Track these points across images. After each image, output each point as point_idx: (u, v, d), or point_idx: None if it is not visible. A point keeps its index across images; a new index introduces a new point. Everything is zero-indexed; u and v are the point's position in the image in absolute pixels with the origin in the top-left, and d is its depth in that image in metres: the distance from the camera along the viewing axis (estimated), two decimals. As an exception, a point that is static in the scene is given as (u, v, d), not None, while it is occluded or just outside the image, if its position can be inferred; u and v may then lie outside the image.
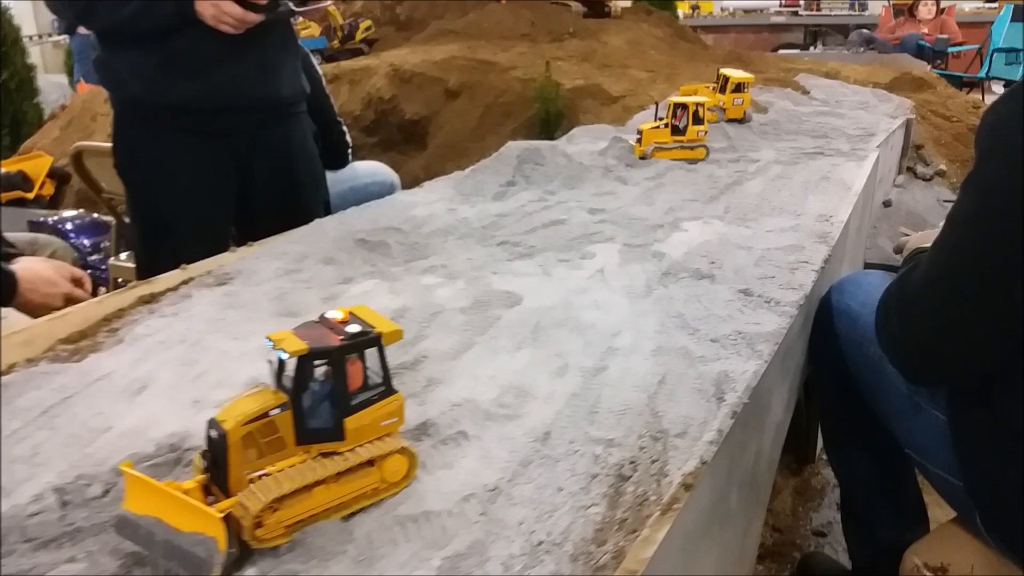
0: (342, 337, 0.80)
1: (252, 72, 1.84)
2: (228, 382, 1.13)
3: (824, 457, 2.18)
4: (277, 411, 0.79)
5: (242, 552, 0.76)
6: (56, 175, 3.96)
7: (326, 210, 2.19)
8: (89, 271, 1.99)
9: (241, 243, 2.00)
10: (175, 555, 0.74)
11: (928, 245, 1.23)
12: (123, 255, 2.66)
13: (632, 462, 0.88)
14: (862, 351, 1.27)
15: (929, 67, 6.38)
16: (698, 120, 2.29)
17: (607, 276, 1.39)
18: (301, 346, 0.78)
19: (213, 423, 0.78)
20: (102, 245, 3.20)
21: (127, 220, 2.68)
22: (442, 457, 0.92)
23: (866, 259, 2.82)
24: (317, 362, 0.80)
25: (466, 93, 3.84)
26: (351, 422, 0.81)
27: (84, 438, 1.02)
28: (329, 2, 1.86)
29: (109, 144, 2.35)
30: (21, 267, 1.55)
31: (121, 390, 1.12)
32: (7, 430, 1.04)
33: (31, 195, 3.73)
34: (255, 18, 1.72)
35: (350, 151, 2.67)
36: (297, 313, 1.34)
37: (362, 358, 0.82)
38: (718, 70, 2.97)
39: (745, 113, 2.82)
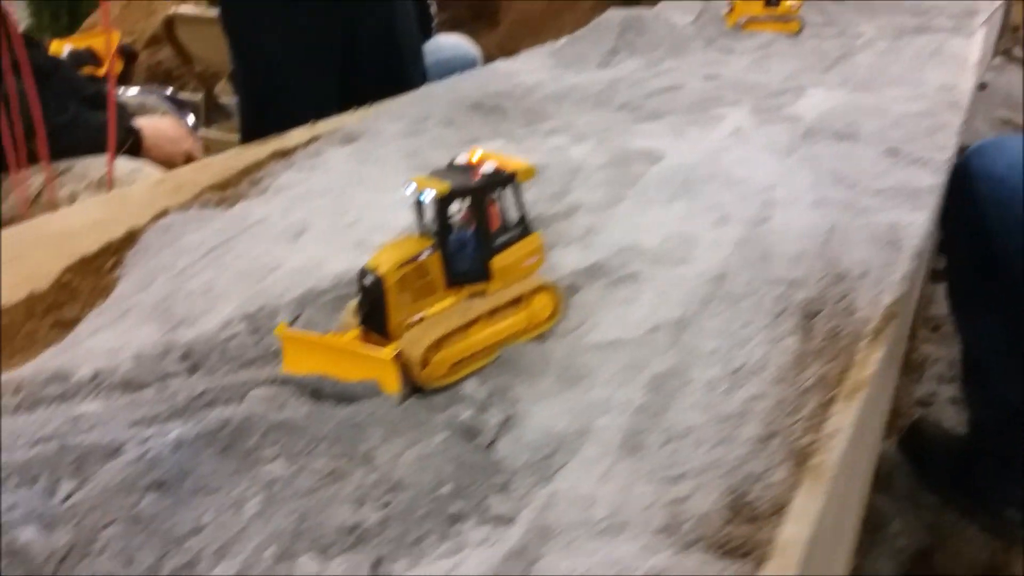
0: (479, 178, 0.81)
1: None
2: (384, 227, 1.14)
3: (918, 333, 2.18)
4: (427, 252, 0.80)
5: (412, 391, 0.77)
6: (124, 52, 3.92)
7: (423, 82, 2.17)
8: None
9: (342, 110, 2.00)
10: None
11: None
12: (212, 128, 2.67)
13: (818, 300, 0.89)
14: (1009, 213, 1.25)
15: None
16: None
17: (745, 136, 1.37)
18: (443, 186, 0.79)
19: (365, 272, 0.79)
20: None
21: (215, 93, 2.69)
22: (618, 294, 0.94)
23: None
24: (459, 202, 0.80)
25: (540, -37, 3.72)
26: (496, 261, 0.83)
27: (255, 275, 1.04)
28: None
29: (201, 11, 2.32)
30: (146, 123, 1.57)
31: (280, 233, 1.15)
32: (177, 267, 1.07)
33: (101, 72, 3.70)
34: None
35: (434, 22, 2.62)
36: (432, 168, 1.35)
37: (500, 199, 0.83)
38: None
39: None
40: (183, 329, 0.94)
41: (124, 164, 1.39)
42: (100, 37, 4.12)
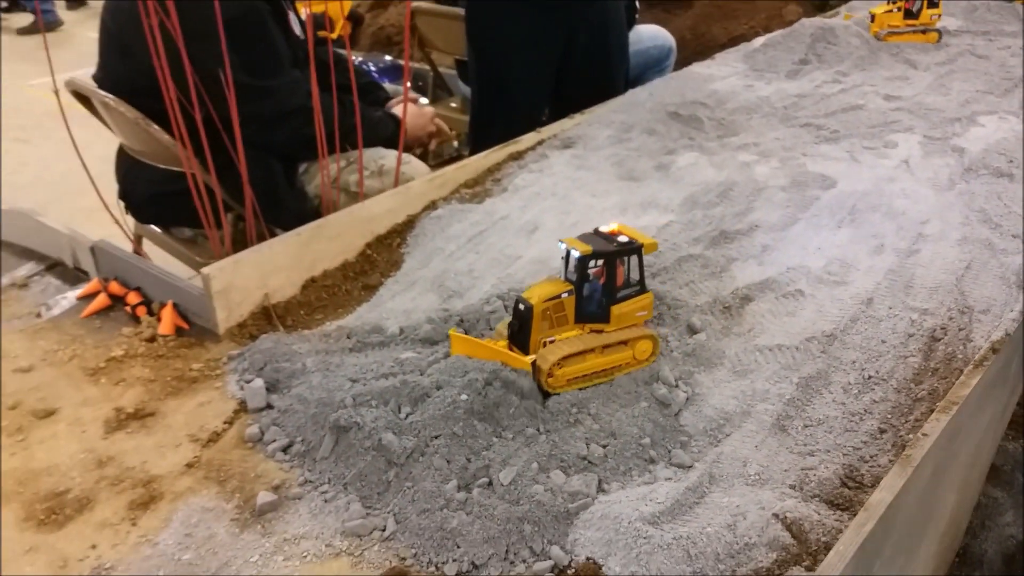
0: (614, 245, 1.07)
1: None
2: (599, 231, 1.46)
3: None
4: (565, 295, 1.06)
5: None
6: (352, 17, 4.41)
7: (626, 77, 2.45)
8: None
9: (555, 103, 2.32)
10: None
11: None
12: (438, 104, 3.06)
13: (943, 328, 1.13)
14: None
15: None
16: (932, 3, 2.30)
17: (912, 167, 1.57)
18: (586, 248, 1.06)
19: (520, 299, 1.07)
20: (399, 88, 3.63)
21: (441, 71, 3.07)
22: (784, 307, 1.21)
23: None
24: (595, 261, 1.06)
25: (738, -53, 3.85)
26: (615, 310, 1.08)
27: (504, 262, 1.39)
28: None
29: (440, 6, 2.71)
30: (401, 111, 1.96)
31: (519, 228, 1.49)
32: (447, 250, 1.44)
33: (333, 35, 4.18)
34: None
35: (637, 16, 2.86)
36: (637, 178, 1.64)
37: (626, 263, 1.08)
38: None
39: None
40: (455, 300, 1.31)
41: (393, 156, 1.78)
42: (331, 3, 4.63)
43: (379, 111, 1.94)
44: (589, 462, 0.96)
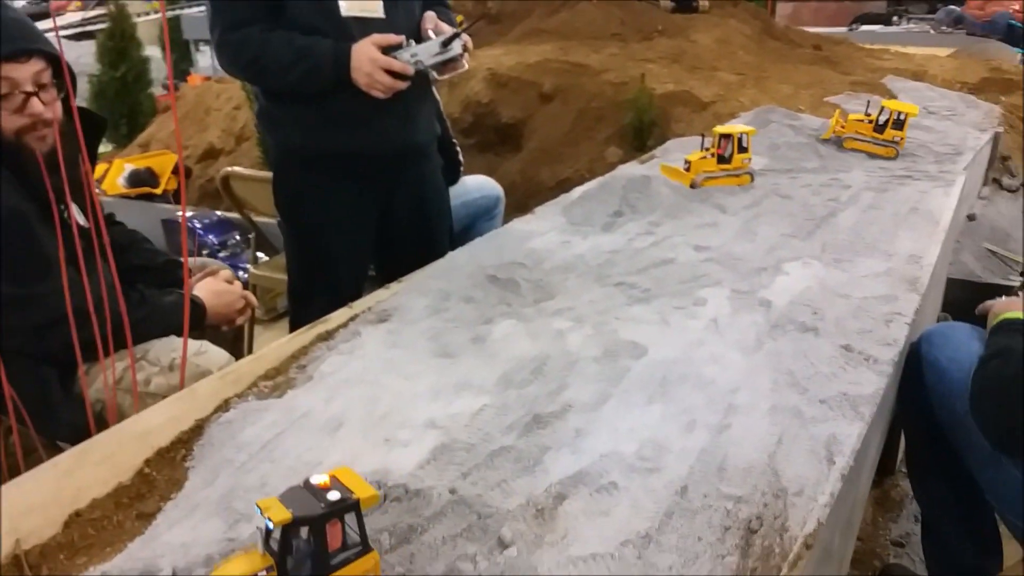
0: (323, 504, 0.91)
1: (396, 123, 2.07)
2: (409, 423, 1.36)
3: (903, 469, 2.34)
4: (263, 574, 0.89)
5: None
6: (178, 171, 4.29)
7: (450, 234, 2.42)
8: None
9: (379, 270, 2.25)
10: None
11: (1015, 315, 1.38)
12: (260, 264, 2.95)
13: (758, 518, 1.08)
14: (949, 405, 1.44)
15: (1021, 55, 6.28)
16: (742, 148, 2.45)
17: (720, 327, 1.57)
18: (286, 515, 0.89)
19: None
20: (228, 243, 3.50)
21: (261, 232, 2.98)
22: (599, 505, 1.14)
23: (949, 274, 2.93)
24: (297, 528, 0.89)
25: (560, 97, 4.01)
26: None
27: (300, 471, 1.26)
28: (466, 67, 2.07)
29: (253, 171, 2.64)
30: (203, 291, 1.83)
31: (321, 427, 1.37)
32: (237, 461, 1.30)
33: (159, 191, 4.05)
34: (402, 86, 1.95)
35: (462, 168, 2.89)
36: (452, 354, 1.57)
37: (342, 520, 0.93)
38: (868, 101, 3.14)
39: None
40: (243, 526, 1.16)
41: (191, 345, 1.63)
42: (157, 157, 4.52)
43: (174, 294, 1.79)
44: None
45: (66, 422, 1.51)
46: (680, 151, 2.92)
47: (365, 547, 0.94)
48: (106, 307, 1.49)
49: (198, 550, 1.11)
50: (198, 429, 1.38)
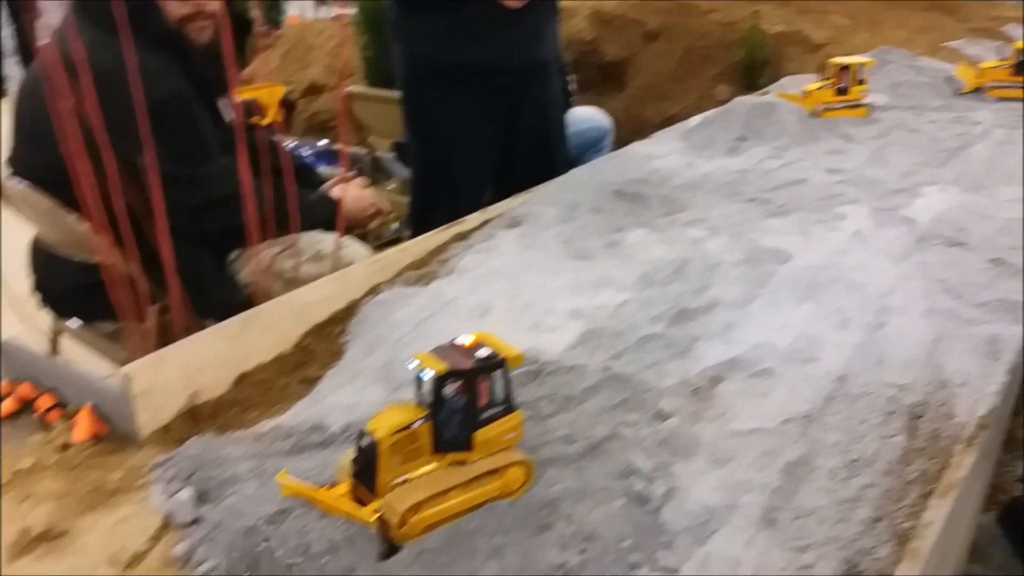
0: (474, 360, 0.92)
1: (524, 38, 2.08)
2: (554, 312, 1.38)
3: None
4: (419, 423, 0.91)
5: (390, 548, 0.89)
6: (285, 103, 4.36)
7: (566, 158, 2.43)
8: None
9: (497, 185, 2.27)
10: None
11: None
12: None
13: (922, 404, 1.08)
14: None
15: None
16: (860, 80, 2.39)
17: (865, 239, 1.55)
18: (442, 366, 0.91)
19: (363, 434, 0.91)
20: (336, 172, 3.57)
21: (377, 154, 3.03)
22: (755, 388, 1.15)
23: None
24: (451, 380, 0.91)
25: (664, 35, 3.94)
26: (479, 435, 0.93)
27: (454, 349, 1.30)
28: None
29: (377, 90, 2.68)
30: (340, 192, 1.88)
31: (468, 312, 1.40)
32: (392, 338, 1.34)
33: (264, 122, 4.12)
34: None
35: (572, 98, 2.87)
36: (587, 256, 1.58)
37: (490, 379, 0.94)
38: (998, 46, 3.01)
39: None
40: (404, 391, 1.20)
41: (330, 239, 1.69)
42: (263, 89, 4.61)
43: (314, 193, 1.85)
44: (566, 572, 0.86)
45: (221, 301, 1.58)
46: (795, 88, 2.86)
47: (510, 406, 0.96)
48: (258, 195, 1.54)
49: (362, 410, 1.15)
50: (351, 309, 1.43)
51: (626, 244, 1.62)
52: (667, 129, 2.43)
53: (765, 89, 2.94)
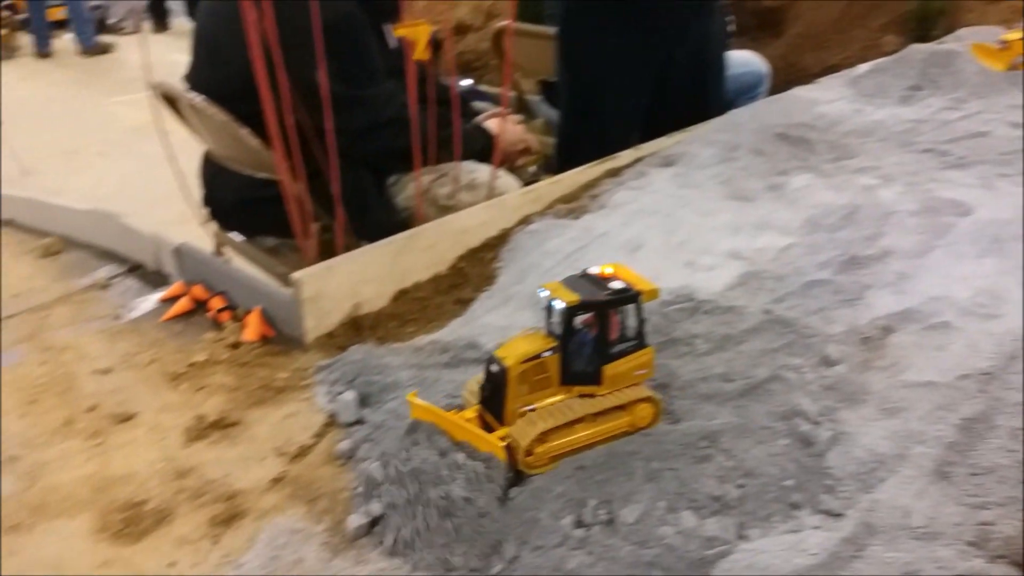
0: (607, 292, 0.89)
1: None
2: (710, 251, 1.35)
3: None
4: (548, 353, 0.89)
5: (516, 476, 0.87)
6: (432, 43, 4.42)
7: (722, 101, 2.34)
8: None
9: (648, 124, 2.22)
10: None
11: None
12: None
13: (1120, 370, 0.99)
14: None
15: None
16: None
17: (1059, 195, 1.43)
18: (573, 297, 0.88)
19: (493, 359, 0.89)
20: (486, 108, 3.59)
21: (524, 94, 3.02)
22: (931, 340, 1.08)
23: None
24: (582, 312, 0.89)
25: (828, -19, 3.73)
26: (609, 369, 0.90)
27: (607, 281, 1.29)
28: None
29: (532, 26, 2.65)
30: (494, 127, 1.88)
31: (620, 246, 1.38)
32: (544, 266, 1.35)
33: (414, 59, 4.19)
34: None
35: (730, 40, 2.76)
36: (748, 198, 1.53)
37: (622, 313, 0.91)
38: None
39: None
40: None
41: (484, 170, 1.70)
42: (416, 27, 4.67)
43: (470, 124, 1.86)
44: (724, 504, 0.85)
45: (379, 222, 1.62)
46: (972, 39, 2.64)
47: (641, 341, 0.93)
48: (421, 122, 1.56)
49: (514, 333, 1.16)
50: (504, 237, 1.44)
51: (790, 188, 1.55)
52: (832, 75, 2.29)
53: (939, 41, 2.73)
